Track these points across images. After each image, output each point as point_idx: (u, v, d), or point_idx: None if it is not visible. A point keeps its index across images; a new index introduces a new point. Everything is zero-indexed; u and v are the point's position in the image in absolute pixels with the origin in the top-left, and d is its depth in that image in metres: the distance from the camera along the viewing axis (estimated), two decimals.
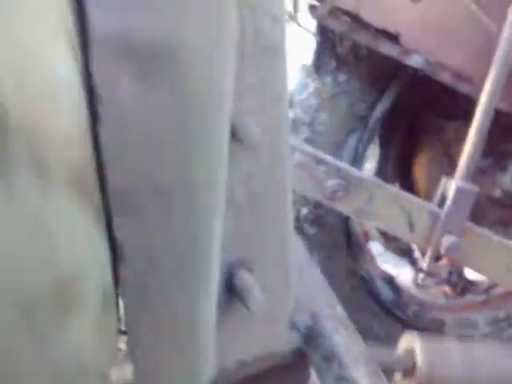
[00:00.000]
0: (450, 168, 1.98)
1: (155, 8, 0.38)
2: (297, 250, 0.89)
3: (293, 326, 0.82)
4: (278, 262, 0.78)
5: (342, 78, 1.89)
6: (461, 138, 1.79)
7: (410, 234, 1.70)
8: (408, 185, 2.45)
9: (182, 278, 0.57)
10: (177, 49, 0.39)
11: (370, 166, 2.55)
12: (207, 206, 0.53)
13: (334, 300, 0.85)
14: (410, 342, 1.09)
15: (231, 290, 0.75)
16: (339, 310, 0.83)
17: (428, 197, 2.07)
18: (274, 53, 0.65)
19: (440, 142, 2.23)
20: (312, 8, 1.68)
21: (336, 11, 1.64)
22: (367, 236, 2.29)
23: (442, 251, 1.66)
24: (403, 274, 2.53)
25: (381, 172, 2.46)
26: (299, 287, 0.83)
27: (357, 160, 2.02)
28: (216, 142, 0.48)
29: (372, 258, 2.27)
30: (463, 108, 1.88)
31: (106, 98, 0.39)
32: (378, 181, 1.72)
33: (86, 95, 0.38)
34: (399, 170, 2.50)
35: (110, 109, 0.40)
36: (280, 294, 0.79)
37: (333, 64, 1.89)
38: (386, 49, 1.70)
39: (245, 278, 0.72)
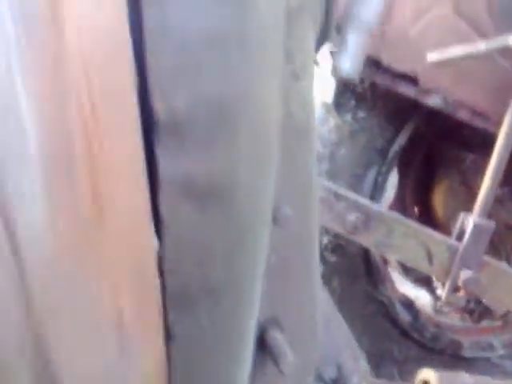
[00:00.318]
0: (467, 197, 2.03)
1: (212, 154, 0.45)
2: (323, 302, 0.95)
3: (319, 377, 0.88)
4: (306, 320, 0.84)
5: (361, 114, 1.95)
6: (478, 168, 1.83)
7: (428, 267, 1.74)
8: (426, 213, 2.48)
9: (225, 352, 0.64)
10: (231, 188, 0.46)
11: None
12: (250, 294, 0.60)
13: (358, 353, 0.91)
14: (426, 377, 1.14)
15: (262, 347, 0.81)
16: (363, 363, 0.89)
17: (446, 225, 2.12)
18: (304, 135, 0.72)
19: (458, 172, 2.27)
20: (333, 54, 1.74)
21: None
22: (387, 263, 2.33)
23: (460, 284, 1.70)
24: (421, 295, 2.57)
25: (399, 201, 2.50)
26: (326, 339, 0.89)
27: (376, 191, 2.07)
28: (260, 244, 0.55)
29: (392, 284, 2.30)
30: (481, 139, 1.93)
31: (169, 225, 0.47)
32: (397, 215, 1.77)
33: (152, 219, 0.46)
34: (417, 198, 2.54)
35: (172, 232, 0.47)
36: (308, 349, 0.85)
37: (352, 102, 1.95)
38: (405, 90, 1.76)
39: (277, 338, 0.78)
